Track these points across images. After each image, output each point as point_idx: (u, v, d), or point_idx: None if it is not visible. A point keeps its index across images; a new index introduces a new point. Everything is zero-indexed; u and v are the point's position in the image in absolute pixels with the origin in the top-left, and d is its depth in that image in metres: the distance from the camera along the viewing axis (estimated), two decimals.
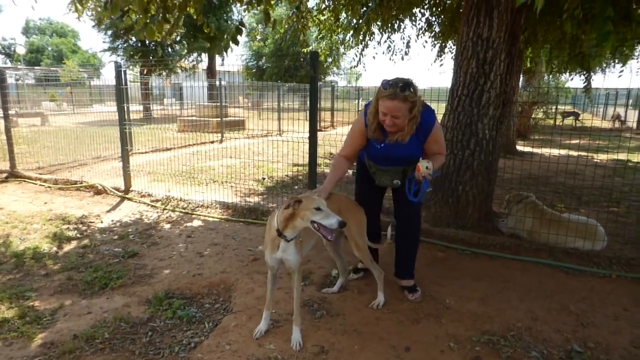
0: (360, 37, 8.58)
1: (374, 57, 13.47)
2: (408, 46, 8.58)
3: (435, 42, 9.16)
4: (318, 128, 15.93)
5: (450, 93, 4.17)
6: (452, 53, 9.66)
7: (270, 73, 28.64)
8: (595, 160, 8.28)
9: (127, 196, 5.43)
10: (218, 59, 23.86)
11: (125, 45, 19.10)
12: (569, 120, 17.19)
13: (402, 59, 9.04)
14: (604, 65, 14.65)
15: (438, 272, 3.22)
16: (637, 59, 9.96)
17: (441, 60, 9.56)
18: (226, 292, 3.00)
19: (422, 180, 2.49)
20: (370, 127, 2.56)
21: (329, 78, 34.45)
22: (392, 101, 2.35)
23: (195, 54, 21.35)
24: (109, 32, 18.44)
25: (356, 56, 8.86)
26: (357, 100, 18.88)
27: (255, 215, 4.66)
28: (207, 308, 2.80)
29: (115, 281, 3.10)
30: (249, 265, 3.40)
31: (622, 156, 9.26)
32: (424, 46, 8.57)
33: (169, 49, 19.50)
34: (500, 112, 4.05)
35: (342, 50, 9.33)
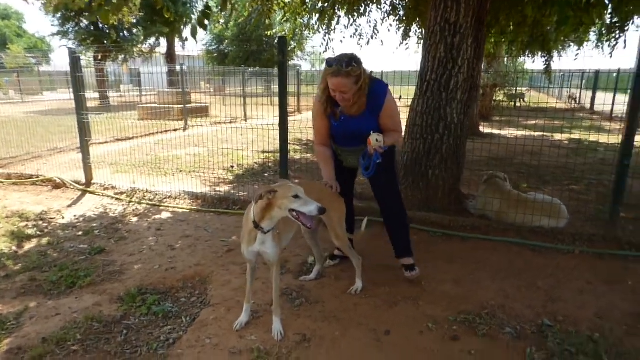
0: (326, 21, 8.50)
1: (341, 41, 13.47)
2: (376, 30, 8.50)
3: (400, 25, 9.19)
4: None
5: (419, 78, 4.20)
6: (416, 36, 9.75)
7: (233, 57, 27.98)
8: (554, 140, 8.63)
9: (88, 189, 5.19)
10: (178, 43, 23.05)
11: (76, 29, 18.08)
12: (517, 102, 17.76)
13: (368, 43, 9.01)
14: (561, 48, 15.21)
15: (427, 255, 3.27)
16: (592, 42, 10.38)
17: (406, 43, 9.63)
18: (202, 285, 2.94)
19: (373, 153, 2.51)
20: (323, 104, 2.63)
21: (292, 62, 34.12)
22: (337, 78, 2.41)
23: (153, 39, 20.51)
24: (58, 15, 17.38)
25: (324, 40, 8.77)
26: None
27: (227, 205, 4.58)
28: (183, 302, 2.74)
29: (84, 279, 2.97)
30: (223, 257, 3.35)
31: (578, 136, 9.72)
32: (389, 30, 8.54)
33: (125, 33, 18.63)
34: (468, 96, 4.12)
35: (307, 34, 9.19)
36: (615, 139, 9.09)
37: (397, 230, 2.91)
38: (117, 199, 4.89)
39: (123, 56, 19.25)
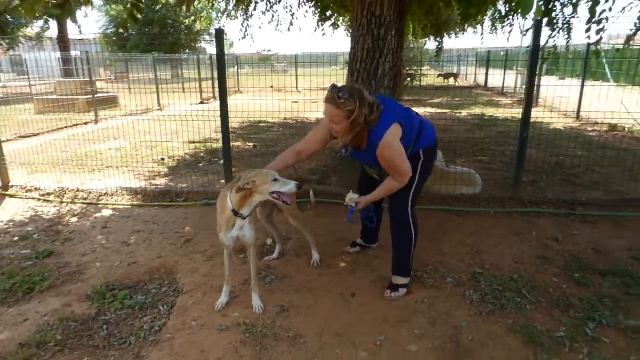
0: (243, 7, 8.51)
1: (259, 27, 13.37)
2: (294, 17, 8.70)
3: (316, 11, 9.49)
4: (200, 100, 15.56)
5: (349, 67, 4.55)
6: (332, 21, 10.13)
7: (135, 42, 26.19)
8: (460, 116, 9.65)
9: (7, 193, 4.83)
10: (73, 27, 21.00)
11: None
12: (450, 81, 19.28)
13: (289, 29, 9.19)
14: (458, 30, 16.72)
15: (359, 227, 3.66)
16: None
17: (322, 29, 9.98)
18: (169, 276, 3.04)
19: (349, 208, 2.68)
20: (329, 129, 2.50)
21: (199, 45, 32.82)
22: (328, 104, 2.33)
23: (41, 21, 18.46)
24: None
25: (242, 27, 8.78)
26: (234, 68, 18.49)
27: (170, 197, 4.59)
28: (154, 293, 2.83)
29: (41, 283, 2.90)
30: (182, 247, 3.45)
31: (477, 110, 10.93)
32: (305, 16, 8.80)
33: (8, 17, 16.56)
34: (394, 83, 4.58)
35: (222, 19, 9.09)
36: (509, 113, 10.45)
37: (395, 247, 2.78)
38: (44, 200, 4.63)
39: (6, 41, 17.15)
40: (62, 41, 20.41)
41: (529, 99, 3.93)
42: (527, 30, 6.62)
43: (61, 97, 11.34)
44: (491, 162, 5.74)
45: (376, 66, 4.37)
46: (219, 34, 4.18)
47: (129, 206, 4.42)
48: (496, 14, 8.41)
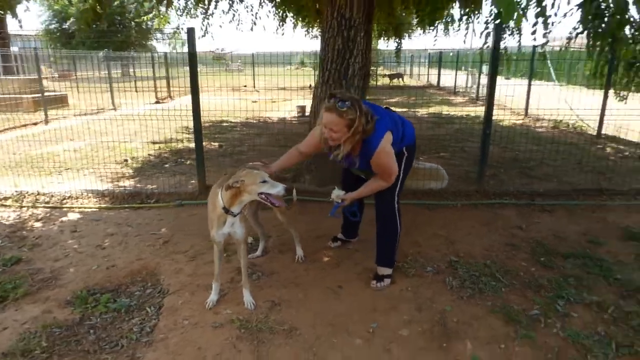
0: (205, 5, 8.39)
1: (220, 26, 13.19)
2: (258, 17, 8.67)
3: (277, 11, 9.51)
4: (156, 100, 15.11)
5: (320, 67, 4.64)
6: (292, 22, 10.19)
7: (81, 38, 24.92)
8: (418, 114, 9.99)
9: None
10: (13, 22, 19.66)
11: None
12: (395, 81, 19.76)
13: (252, 29, 9.16)
14: (411, 31, 17.29)
15: (339, 223, 3.75)
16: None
17: (282, 28, 10.02)
18: (152, 277, 3.00)
19: (335, 203, 2.80)
20: (321, 137, 2.57)
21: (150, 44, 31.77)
22: (331, 114, 2.36)
23: None
24: None
25: (202, 25, 8.64)
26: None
27: (140, 199, 4.48)
28: (139, 295, 2.78)
29: (15, 291, 2.77)
30: (162, 249, 3.40)
31: (433, 109, 11.37)
32: (268, 16, 8.82)
33: None
34: (363, 82, 4.72)
35: (182, 17, 8.89)
36: (464, 111, 10.97)
37: (380, 239, 2.89)
38: (1, 205, 4.38)
39: None
40: (1, 37, 19.06)
41: (491, 98, 4.19)
42: (482, 34, 6.97)
43: (3, 97, 10.63)
44: (452, 158, 6.03)
45: (347, 66, 4.49)
46: (191, 33, 4.14)
47: (98, 209, 4.28)
48: (448, 17, 8.82)
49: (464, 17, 7.51)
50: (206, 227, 2.75)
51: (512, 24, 5.17)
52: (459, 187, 4.52)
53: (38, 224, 3.91)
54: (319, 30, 13.80)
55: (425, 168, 4.52)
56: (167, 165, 5.98)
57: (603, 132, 7.22)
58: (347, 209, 2.95)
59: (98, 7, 3.78)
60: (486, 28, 6.06)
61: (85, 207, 4.32)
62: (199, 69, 4.50)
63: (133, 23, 28.09)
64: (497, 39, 4.04)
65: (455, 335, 2.29)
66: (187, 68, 4.29)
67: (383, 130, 2.48)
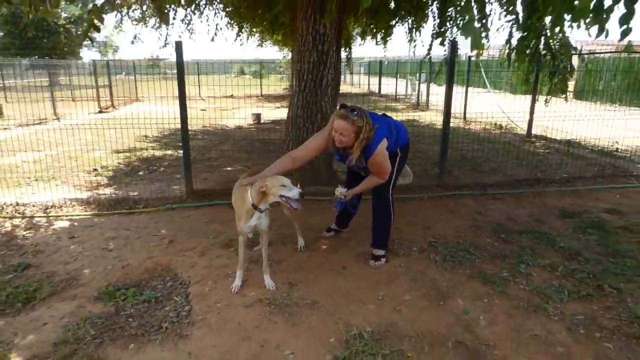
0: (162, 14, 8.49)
1: (179, 36, 13.08)
2: (217, 27, 8.91)
3: (235, 24, 9.81)
4: (99, 109, 14.87)
5: (297, 77, 5.05)
6: (248, 32, 10.52)
7: (4, 45, 23.28)
8: None
9: None
10: None
11: None
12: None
13: (213, 39, 9.36)
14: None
15: (325, 218, 4.18)
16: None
17: (240, 39, 10.33)
18: (168, 272, 3.24)
19: (338, 199, 3.28)
20: (330, 141, 2.96)
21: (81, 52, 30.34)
22: (343, 121, 2.79)
23: None
24: None
25: (160, 35, 8.73)
26: (133, 74, 17.61)
27: (128, 205, 4.63)
28: (161, 288, 3.03)
29: (40, 292, 2.92)
30: (170, 247, 3.64)
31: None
32: (228, 27, 9.03)
33: None
34: (335, 91, 5.21)
35: (139, 26, 8.91)
36: (409, 116, 11.84)
37: (377, 225, 3.34)
38: None
39: None
40: None
41: (449, 104, 4.86)
42: (430, 47, 7.78)
43: None
44: (411, 158, 6.69)
45: (321, 77, 4.96)
46: (179, 46, 4.40)
47: (87, 216, 4.37)
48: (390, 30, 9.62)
49: (412, 31, 8.34)
50: (206, 227, 3.10)
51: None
52: (422, 183, 5.14)
53: (30, 233, 3.96)
54: (266, 40, 14.25)
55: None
56: (141, 173, 6.08)
57: (532, 132, 8.31)
58: (349, 203, 3.41)
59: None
60: (431, 42, 6.89)
61: (73, 215, 4.39)
62: (134, 77, 4.71)
63: (62, 29, 26.72)
64: (453, 53, 4.71)
65: (447, 296, 2.82)
66: (123, 76, 4.50)
67: (380, 137, 2.94)
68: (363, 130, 2.81)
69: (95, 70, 15.73)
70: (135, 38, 9.47)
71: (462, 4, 2.27)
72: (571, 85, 12.48)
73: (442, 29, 7.29)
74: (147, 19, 8.77)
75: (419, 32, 7.66)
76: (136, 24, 8.75)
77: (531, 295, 2.81)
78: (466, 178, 5.42)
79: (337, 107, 2.88)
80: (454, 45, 4.73)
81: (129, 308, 2.77)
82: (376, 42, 10.23)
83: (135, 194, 4.98)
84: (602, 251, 3.40)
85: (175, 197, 4.81)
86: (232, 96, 16.68)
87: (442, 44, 7.34)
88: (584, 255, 3.32)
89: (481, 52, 4.67)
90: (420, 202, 4.69)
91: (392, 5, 6.97)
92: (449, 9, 6.43)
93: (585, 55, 9.42)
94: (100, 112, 13.99)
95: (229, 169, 6.27)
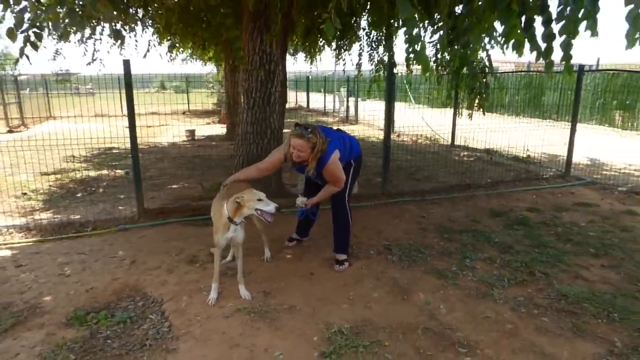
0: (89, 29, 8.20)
1: (108, 52, 12.47)
2: (150, 44, 8.72)
3: (161, 41, 9.69)
4: (8, 129, 13.92)
5: (245, 95, 5.20)
6: (177, 48, 10.40)
7: None
8: None
9: None
10: None
11: None
12: None
13: (145, 56, 9.12)
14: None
15: (284, 229, 4.35)
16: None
17: (171, 56, 10.18)
18: (137, 293, 3.22)
19: (300, 207, 3.53)
20: (288, 156, 3.26)
21: None
22: (299, 139, 3.08)
23: None
24: None
25: (86, 50, 8.37)
26: (44, 90, 16.31)
27: (74, 229, 4.45)
28: (133, 308, 3.01)
29: (2, 323, 2.77)
30: (133, 268, 3.59)
31: None
32: (156, 45, 8.88)
33: None
34: (282, 108, 5.45)
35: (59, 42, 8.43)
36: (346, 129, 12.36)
37: (337, 232, 3.60)
38: None
39: None
40: None
41: (389, 118, 5.32)
42: (358, 64, 8.36)
43: None
44: None
45: (269, 95, 5.18)
46: (127, 64, 4.37)
47: (30, 243, 4.13)
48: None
49: (340, 49, 8.89)
50: (166, 245, 3.24)
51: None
52: (368, 192, 5.53)
53: None
54: (195, 55, 14.11)
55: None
56: (79, 195, 5.80)
57: (456, 142, 9.18)
58: (309, 210, 3.64)
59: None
60: (359, 61, 7.46)
61: (14, 243, 4.13)
62: (44, 93, 4.62)
63: None
64: (391, 70, 5.18)
65: (409, 291, 3.15)
66: (27, 92, 4.40)
67: (332, 149, 3.22)
68: (317, 144, 3.11)
69: (1, 85, 14.42)
70: (57, 53, 8.91)
71: (414, 33, 2.63)
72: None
73: (372, 49, 7.91)
74: (72, 34, 8.34)
75: (348, 50, 8.20)
76: (57, 40, 8.27)
77: (478, 284, 3.24)
78: (405, 186, 5.91)
79: (293, 127, 3.15)
80: (391, 65, 5.20)
81: (104, 330, 2.73)
82: (307, 60, 10.73)
83: (79, 216, 4.77)
84: (529, 243, 3.97)
85: (127, 217, 4.70)
86: (156, 113, 16.19)
87: (370, 61, 7.98)
88: (515, 248, 3.86)
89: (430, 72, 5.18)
90: (368, 210, 5.05)
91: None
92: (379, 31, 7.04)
93: (498, 74, 10.63)
94: (10, 132, 12.87)
95: (175, 186, 6.20)
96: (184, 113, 18.63)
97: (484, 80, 6.64)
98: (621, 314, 2.81)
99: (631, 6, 2.47)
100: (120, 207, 5.14)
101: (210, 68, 17.69)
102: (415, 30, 2.58)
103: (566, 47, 2.74)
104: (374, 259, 3.72)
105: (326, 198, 3.52)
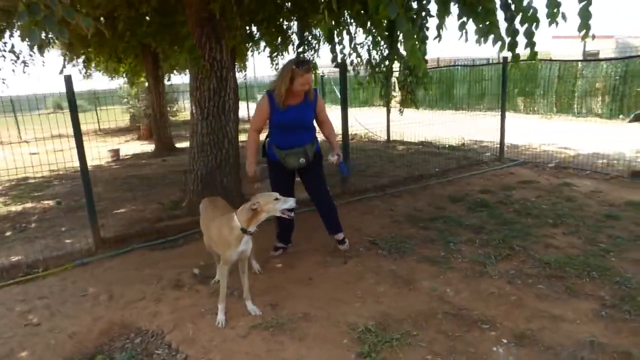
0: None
1: (13, 71, 10.97)
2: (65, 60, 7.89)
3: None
4: None
5: (197, 105, 4.96)
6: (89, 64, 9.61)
7: None
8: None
9: None
10: None
11: None
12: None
13: (61, 72, 8.21)
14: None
15: (262, 241, 4.21)
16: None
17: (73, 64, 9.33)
18: (129, 329, 2.91)
19: (339, 164, 3.67)
20: (281, 99, 3.36)
21: None
22: (308, 74, 3.30)
23: None
24: None
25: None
26: None
27: (21, 271, 3.90)
28: (131, 347, 2.73)
29: None
30: (113, 303, 3.25)
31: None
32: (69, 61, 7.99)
33: None
34: (236, 117, 5.28)
35: None
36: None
37: (328, 214, 3.79)
38: None
39: None
40: None
41: (345, 120, 5.41)
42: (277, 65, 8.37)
43: None
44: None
45: (222, 103, 5.00)
46: (69, 80, 3.94)
47: None
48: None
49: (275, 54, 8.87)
50: (139, 274, 3.24)
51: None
52: (333, 191, 5.56)
53: None
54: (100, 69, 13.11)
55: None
56: (9, 234, 5.08)
57: (391, 138, 9.60)
58: (342, 164, 3.74)
59: None
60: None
61: None
62: None
63: None
64: (344, 74, 5.28)
65: (412, 281, 3.25)
66: None
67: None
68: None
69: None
70: None
71: (406, 30, 2.74)
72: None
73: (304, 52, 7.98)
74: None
75: (282, 54, 8.21)
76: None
77: (471, 264, 3.44)
78: (362, 183, 6.05)
79: (294, 66, 3.26)
80: (344, 67, 5.31)
81: None
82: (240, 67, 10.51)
83: (20, 257, 4.19)
84: (496, 222, 4.30)
85: (82, 250, 4.23)
86: (59, 136, 14.75)
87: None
88: (487, 228, 4.16)
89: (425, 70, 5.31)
90: (340, 207, 5.09)
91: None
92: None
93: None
94: None
95: (122, 210, 5.71)
96: (95, 132, 17.17)
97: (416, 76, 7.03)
98: (598, 271, 3.17)
99: (584, 2, 2.81)
100: (67, 241, 4.61)
101: (119, 82, 16.52)
102: (406, 28, 2.67)
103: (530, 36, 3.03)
104: (365, 255, 3.77)
105: (336, 140, 3.72)
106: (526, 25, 3.04)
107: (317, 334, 2.67)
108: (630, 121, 10.96)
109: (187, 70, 14.20)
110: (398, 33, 4.57)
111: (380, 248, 3.87)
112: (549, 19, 3.10)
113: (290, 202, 2.85)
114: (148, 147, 11.39)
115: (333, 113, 4.35)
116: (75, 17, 2.15)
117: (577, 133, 9.64)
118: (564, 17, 3.08)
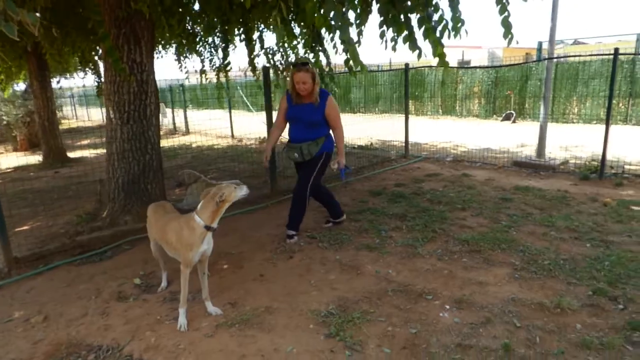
0: None
1: None
2: None
3: None
4: None
5: (117, 110, 4.70)
6: None
7: None
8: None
9: None
10: None
11: None
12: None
13: None
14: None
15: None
16: None
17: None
18: (78, 347, 2.73)
19: (339, 170, 4.11)
20: (293, 95, 3.89)
21: None
22: (300, 72, 3.69)
23: None
24: None
25: None
26: None
27: None
28: None
29: None
30: (52, 325, 2.98)
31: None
32: None
33: None
34: (158, 121, 5.10)
35: None
36: (179, 142, 11.84)
37: (330, 203, 4.40)
38: None
39: None
40: None
41: (270, 123, 5.55)
42: (202, 70, 8.19)
43: None
44: (223, 176, 7.08)
45: (144, 107, 4.82)
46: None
47: None
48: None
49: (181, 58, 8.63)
50: (72, 291, 3.28)
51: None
52: (258, 193, 5.67)
53: None
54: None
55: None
56: None
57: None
58: (343, 170, 4.08)
59: None
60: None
61: None
62: None
63: None
64: (267, 78, 5.43)
65: (357, 266, 3.55)
66: None
67: (325, 90, 4.07)
68: (315, 74, 3.80)
69: None
70: None
71: (347, 37, 3.03)
72: None
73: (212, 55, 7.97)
74: None
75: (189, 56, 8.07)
76: None
77: (404, 248, 3.86)
78: (285, 183, 6.25)
79: (292, 66, 3.77)
80: (266, 72, 5.45)
81: None
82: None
83: None
84: (416, 210, 4.83)
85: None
86: None
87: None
88: (409, 216, 4.66)
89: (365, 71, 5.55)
90: (266, 210, 5.23)
91: None
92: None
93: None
94: None
95: (26, 228, 5.13)
96: None
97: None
98: (505, 244, 3.80)
99: (505, 14, 3.39)
100: None
101: None
102: (348, 34, 2.96)
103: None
104: (308, 249, 3.98)
105: (343, 148, 4.08)
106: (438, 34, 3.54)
107: (284, 323, 2.81)
108: (502, 120, 12.87)
109: (74, 74, 13.02)
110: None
111: (319, 241, 4.11)
112: (454, 32, 3.65)
113: (244, 189, 2.95)
114: (32, 158, 10.17)
115: (240, 119, 4.48)
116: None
117: (462, 131, 11.03)
118: (466, 32, 3.66)
